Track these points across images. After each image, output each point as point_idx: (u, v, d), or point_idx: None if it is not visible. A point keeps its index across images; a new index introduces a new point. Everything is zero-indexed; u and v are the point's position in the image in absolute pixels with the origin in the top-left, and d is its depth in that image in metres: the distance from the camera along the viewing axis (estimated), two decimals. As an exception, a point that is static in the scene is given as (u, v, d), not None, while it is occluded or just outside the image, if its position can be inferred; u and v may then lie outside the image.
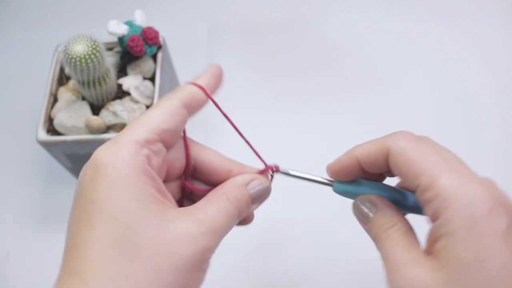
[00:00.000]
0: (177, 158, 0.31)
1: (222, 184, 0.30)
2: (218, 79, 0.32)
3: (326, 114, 0.67)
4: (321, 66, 0.73)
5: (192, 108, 0.30)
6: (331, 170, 0.31)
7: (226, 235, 0.28)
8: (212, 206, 0.28)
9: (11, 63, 0.77)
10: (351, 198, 0.31)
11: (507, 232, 0.23)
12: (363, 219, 0.30)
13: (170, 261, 0.24)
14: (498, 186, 0.25)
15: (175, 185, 0.32)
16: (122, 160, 0.25)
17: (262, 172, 0.32)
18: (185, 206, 0.29)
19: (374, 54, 0.73)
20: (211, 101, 0.32)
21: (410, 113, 0.66)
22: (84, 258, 0.24)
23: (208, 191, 0.30)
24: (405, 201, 0.30)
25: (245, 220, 0.31)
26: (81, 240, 0.25)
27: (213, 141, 0.65)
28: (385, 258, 0.27)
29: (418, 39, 0.74)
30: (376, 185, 0.31)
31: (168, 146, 0.29)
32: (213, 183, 0.32)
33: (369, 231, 0.29)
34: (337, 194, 0.32)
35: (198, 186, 0.32)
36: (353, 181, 0.31)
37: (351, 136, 0.64)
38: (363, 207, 0.30)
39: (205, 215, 0.27)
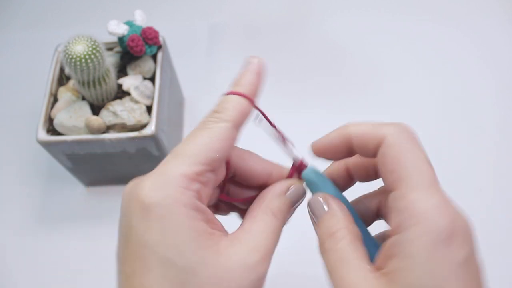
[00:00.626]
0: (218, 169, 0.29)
1: (263, 195, 0.29)
2: (261, 79, 0.30)
3: (326, 114, 0.67)
4: (321, 66, 0.73)
5: (242, 127, 0.28)
6: (318, 145, 0.29)
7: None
8: (259, 227, 0.27)
9: (11, 63, 0.77)
10: (310, 191, 0.30)
11: (465, 262, 0.23)
12: (314, 219, 0.28)
13: None
14: (468, 218, 0.24)
15: (213, 191, 0.31)
16: (173, 198, 0.24)
17: (295, 169, 0.30)
18: (221, 210, 0.29)
19: (374, 54, 0.73)
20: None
21: (410, 113, 0.66)
22: None
23: (247, 200, 0.30)
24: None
25: None
26: (138, 282, 0.24)
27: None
28: (329, 271, 0.26)
29: (418, 39, 0.74)
30: (342, 196, 0.30)
31: (216, 171, 0.27)
32: (252, 186, 0.31)
33: (317, 234, 0.28)
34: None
35: (235, 189, 0.31)
36: (323, 177, 0.30)
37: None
38: (315, 205, 0.28)
39: (256, 240, 0.26)
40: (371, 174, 0.30)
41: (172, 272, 0.23)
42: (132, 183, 0.26)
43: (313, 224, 0.29)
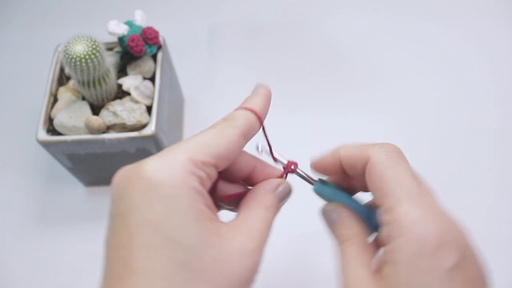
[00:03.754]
0: None
1: (256, 191, 0.31)
2: (269, 102, 0.32)
3: (327, 113, 0.67)
4: (321, 66, 0.73)
5: (248, 138, 0.30)
6: (316, 164, 0.31)
7: None
8: (254, 218, 0.28)
9: (11, 63, 0.77)
10: (325, 200, 0.32)
11: (452, 270, 0.23)
12: (329, 225, 0.31)
13: (230, 279, 0.25)
14: (460, 224, 0.25)
15: None
16: (180, 180, 0.24)
17: (285, 171, 0.33)
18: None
19: (374, 54, 0.73)
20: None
21: (410, 113, 0.66)
22: (143, 287, 0.23)
23: (235, 196, 0.31)
24: (372, 219, 0.30)
25: None
26: (137, 265, 0.23)
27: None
28: (340, 269, 0.28)
29: (418, 39, 0.74)
30: (351, 198, 0.32)
31: (218, 169, 0.28)
32: (236, 179, 0.32)
33: (333, 234, 0.31)
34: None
35: (221, 184, 0.32)
36: (332, 187, 0.32)
37: (351, 135, 0.64)
38: (329, 214, 0.31)
39: (252, 230, 0.27)
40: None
41: (176, 252, 0.23)
42: (126, 168, 0.26)
43: (327, 228, 0.31)
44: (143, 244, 0.23)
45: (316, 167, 0.31)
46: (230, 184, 0.32)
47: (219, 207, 0.32)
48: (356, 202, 0.31)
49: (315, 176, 0.32)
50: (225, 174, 0.31)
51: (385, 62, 0.72)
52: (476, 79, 0.69)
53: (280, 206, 0.31)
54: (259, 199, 0.30)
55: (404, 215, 0.25)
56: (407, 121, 0.66)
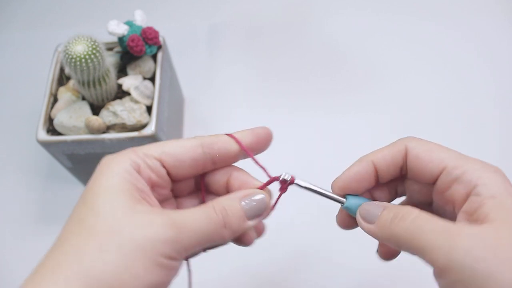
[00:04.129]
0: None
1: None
2: (259, 139, 0.31)
3: (327, 113, 0.67)
4: (321, 66, 0.73)
5: (212, 151, 0.30)
6: (343, 181, 0.30)
7: (211, 242, 0.28)
8: (193, 209, 0.28)
9: (11, 63, 0.77)
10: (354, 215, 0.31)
11: None
12: (369, 220, 0.29)
13: (118, 241, 0.24)
14: None
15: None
16: (115, 162, 0.28)
17: (266, 184, 0.31)
18: None
19: (374, 54, 0.73)
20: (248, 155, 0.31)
21: (410, 113, 0.66)
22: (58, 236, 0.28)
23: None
24: None
25: (243, 239, 0.30)
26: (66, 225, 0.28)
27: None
28: (421, 233, 0.26)
29: (417, 39, 0.74)
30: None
31: (170, 172, 0.30)
32: (218, 189, 0.32)
33: (378, 224, 0.29)
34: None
35: (208, 196, 0.32)
36: (358, 197, 0.31)
37: (351, 135, 0.64)
38: (371, 207, 0.30)
39: (178, 213, 0.27)
40: (392, 194, 0.33)
41: (82, 210, 0.27)
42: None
43: (366, 224, 0.30)
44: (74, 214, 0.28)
45: (346, 182, 0.30)
46: (215, 196, 0.32)
47: None
48: None
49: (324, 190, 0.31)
50: (208, 186, 0.32)
51: (385, 62, 0.72)
52: (476, 79, 0.69)
53: (249, 219, 0.29)
54: (212, 201, 0.29)
55: (473, 165, 0.28)
56: (407, 121, 0.66)
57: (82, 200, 0.27)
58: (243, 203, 0.29)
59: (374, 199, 0.33)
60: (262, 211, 0.30)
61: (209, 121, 0.67)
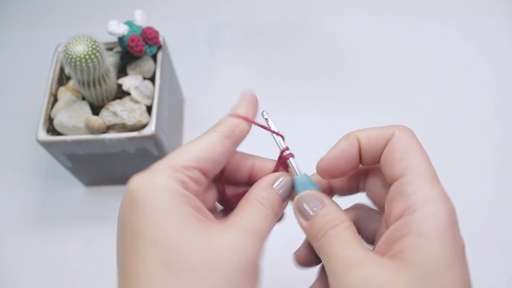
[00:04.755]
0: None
1: (250, 189, 0.30)
2: (255, 106, 0.32)
3: (327, 113, 0.67)
4: (321, 66, 0.73)
5: (236, 138, 0.30)
6: (329, 161, 0.29)
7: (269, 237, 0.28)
8: (248, 212, 0.28)
9: (11, 63, 0.77)
10: (296, 191, 0.30)
11: (463, 251, 0.24)
12: (304, 215, 0.29)
13: (220, 272, 0.24)
14: None
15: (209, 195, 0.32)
16: (157, 185, 0.25)
17: (280, 162, 0.32)
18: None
19: (374, 54, 0.73)
20: (256, 125, 0.32)
21: (410, 113, 0.66)
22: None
23: (240, 195, 0.30)
24: None
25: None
26: (131, 271, 0.24)
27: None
28: (332, 256, 0.26)
29: (417, 39, 0.74)
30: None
31: (208, 175, 0.29)
32: (240, 182, 0.32)
33: (310, 228, 0.28)
34: None
35: (228, 189, 0.32)
36: (312, 182, 0.31)
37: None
38: (309, 202, 0.29)
39: (245, 221, 0.27)
40: (352, 188, 0.32)
41: (161, 253, 0.24)
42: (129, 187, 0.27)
43: (301, 218, 0.29)
44: (133, 252, 0.25)
45: (326, 164, 0.29)
46: (237, 187, 0.32)
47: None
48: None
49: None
50: (229, 179, 0.32)
51: (385, 62, 0.72)
52: (476, 79, 0.69)
53: (285, 203, 0.30)
54: (253, 196, 0.29)
55: (430, 189, 0.25)
56: (407, 121, 0.65)
57: (143, 238, 0.24)
58: (278, 188, 0.30)
59: (331, 188, 0.32)
60: (290, 190, 0.31)
61: (209, 121, 0.66)
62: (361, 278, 0.23)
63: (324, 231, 0.27)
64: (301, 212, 0.29)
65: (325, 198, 0.29)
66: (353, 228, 0.27)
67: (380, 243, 0.26)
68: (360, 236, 0.27)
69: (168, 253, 0.24)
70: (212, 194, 0.32)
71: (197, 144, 0.28)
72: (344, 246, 0.25)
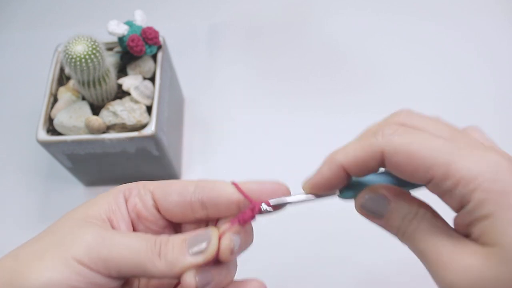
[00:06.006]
0: None
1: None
2: (266, 190, 0.27)
3: (327, 113, 0.67)
4: (321, 66, 0.73)
5: (203, 191, 0.28)
6: (312, 185, 0.27)
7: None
8: (136, 233, 0.28)
9: (11, 63, 0.77)
10: (354, 195, 0.27)
11: None
12: (376, 216, 0.26)
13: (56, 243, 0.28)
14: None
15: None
16: (118, 187, 0.30)
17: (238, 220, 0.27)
18: None
19: (374, 54, 0.73)
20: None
21: (410, 113, 0.66)
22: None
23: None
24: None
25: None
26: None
27: (213, 142, 0.65)
28: (422, 252, 0.24)
29: (417, 39, 0.74)
30: (380, 175, 0.27)
31: (159, 204, 0.29)
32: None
33: (387, 226, 0.26)
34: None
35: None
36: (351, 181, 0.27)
37: (351, 135, 0.64)
38: (373, 204, 0.26)
39: (116, 232, 0.28)
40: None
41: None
42: None
43: (372, 220, 0.27)
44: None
45: (315, 186, 0.27)
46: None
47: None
48: (380, 175, 0.27)
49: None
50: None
51: (385, 62, 0.72)
52: (476, 79, 0.69)
53: (196, 253, 0.26)
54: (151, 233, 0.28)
55: (464, 169, 0.22)
56: (407, 121, 0.66)
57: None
58: (188, 237, 0.26)
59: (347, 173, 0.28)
60: (206, 249, 0.26)
61: (209, 121, 0.67)
62: (458, 273, 0.22)
63: (403, 230, 0.25)
64: (369, 216, 0.27)
65: (385, 191, 0.26)
66: (430, 213, 0.25)
67: (455, 226, 0.25)
68: (439, 216, 0.25)
69: (54, 224, 0.30)
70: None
71: (173, 181, 0.29)
72: (428, 240, 0.24)
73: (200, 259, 0.25)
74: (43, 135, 0.52)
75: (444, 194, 0.24)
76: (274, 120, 0.67)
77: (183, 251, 0.25)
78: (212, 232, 0.26)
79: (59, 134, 0.53)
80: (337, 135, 0.66)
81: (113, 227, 0.28)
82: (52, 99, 0.55)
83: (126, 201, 0.29)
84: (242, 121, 0.67)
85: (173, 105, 0.61)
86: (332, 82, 0.71)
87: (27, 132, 0.64)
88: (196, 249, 0.26)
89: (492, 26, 0.74)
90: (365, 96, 0.69)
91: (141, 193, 0.29)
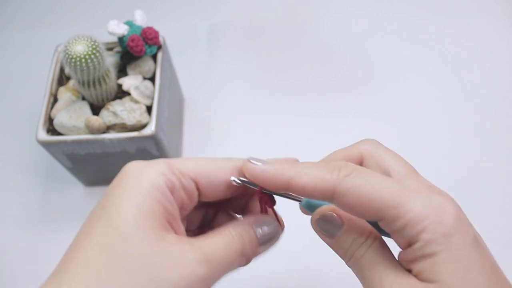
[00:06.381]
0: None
1: (232, 221, 0.29)
2: (284, 174, 0.28)
3: (327, 113, 0.67)
4: (321, 66, 0.73)
5: (244, 175, 0.28)
6: (263, 171, 0.28)
7: (229, 272, 0.27)
8: (215, 238, 0.26)
9: (11, 63, 0.77)
10: (310, 212, 0.29)
11: (475, 238, 0.24)
12: (327, 235, 0.28)
13: (153, 284, 0.23)
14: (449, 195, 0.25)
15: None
16: (145, 177, 0.25)
17: (263, 201, 0.30)
18: None
19: (374, 54, 0.73)
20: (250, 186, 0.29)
21: (410, 113, 0.66)
22: (71, 260, 0.25)
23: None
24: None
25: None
26: (78, 242, 0.25)
27: (213, 142, 0.65)
28: (365, 278, 0.26)
29: (417, 39, 0.74)
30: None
31: (202, 193, 0.28)
32: (235, 209, 0.32)
33: (336, 247, 0.28)
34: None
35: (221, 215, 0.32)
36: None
37: (351, 135, 0.64)
38: (326, 223, 0.28)
39: (205, 244, 0.26)
40: None
41: (109, 234, 0.24)
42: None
43: (325, 239, 0.28)
44: (89, 225, 0.25)
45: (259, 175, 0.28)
46: (229, 216, 0.32)
47: None
48: None
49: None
50: (225, 205, 0.31)
51: (385, 62, 0.72)
52: (476, 79, 0.69)
53: (260, 245, 0.28)
54: (228, 226, 0.28)
55: (413, 211, 0.24)
56: (407, 121, 0.66)
57: (104, 215, 0.25)
58: (258, 230, 0.28)
59: None
60: (273, 237, 0.29)
61: (209, 121, 0.67)
62: None
63: (351, 253, 0.27)
64: (321, 233, 0.28)
65: (341, 212, 0.28)
66: (378, 241, 0.26)
67: (400, 261, 0.26)
68: (386, 246, 0.27)
69: (115, 237, 0.23)
70: (198, 216, 0.31)
71: (205, 160, 0.28)
72: (372, 267, 0.25)
73: (267, 247, 0.29)
74: (43, 135, 0.52)
75: (393, 232, 0.25)
76: (274, 120, 0.67)
77: (256, 245, 0.28)
78: (277, 225, 0.29)
79: (59, 134, 0.53)
80: (337, 135, 0.66)
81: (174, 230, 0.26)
82: (52, 99, 0.55)
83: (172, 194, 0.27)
84: (242, 121, 0.67)
85: (173, 105, 0.61)
86: (332, 82, 0.71)
87: (27, 132, 0.64)
88: (264, 240, 0.29)
89: (492, 26, 0.74)
90: (365, 96, 0.69)
91: (186, 186, 0.27)
